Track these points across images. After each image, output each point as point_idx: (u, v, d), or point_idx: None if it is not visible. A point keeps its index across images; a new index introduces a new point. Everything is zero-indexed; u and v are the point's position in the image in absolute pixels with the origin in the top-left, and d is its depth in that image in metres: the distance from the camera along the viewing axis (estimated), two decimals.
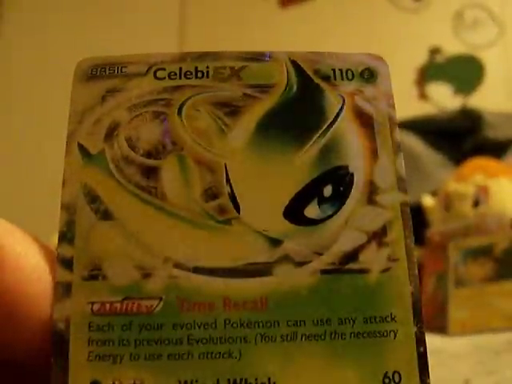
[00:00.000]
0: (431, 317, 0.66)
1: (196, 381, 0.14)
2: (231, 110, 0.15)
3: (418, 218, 0.80)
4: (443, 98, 1.31)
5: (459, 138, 0.99)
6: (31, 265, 0.14)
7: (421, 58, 1.35)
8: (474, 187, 0.78)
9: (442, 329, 0.62)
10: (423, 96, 1.33)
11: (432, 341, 0.55)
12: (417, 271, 0.14)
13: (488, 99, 1.23)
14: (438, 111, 1.20)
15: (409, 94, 1.32)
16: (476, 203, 0.78)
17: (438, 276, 0.70)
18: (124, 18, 1.41)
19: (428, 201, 0.83)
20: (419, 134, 0.98)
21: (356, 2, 1.40)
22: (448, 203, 0.79)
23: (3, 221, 0.14)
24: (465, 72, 1.34)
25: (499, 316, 0.61)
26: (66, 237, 0.15)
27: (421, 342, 0.14)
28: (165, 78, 0.16)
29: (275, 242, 0.14)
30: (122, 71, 0.16)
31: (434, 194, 0.85)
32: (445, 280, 0.69)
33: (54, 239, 0.15)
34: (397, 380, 0.14)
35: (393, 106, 0.15)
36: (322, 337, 0.14)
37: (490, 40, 1.35)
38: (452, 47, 1.36)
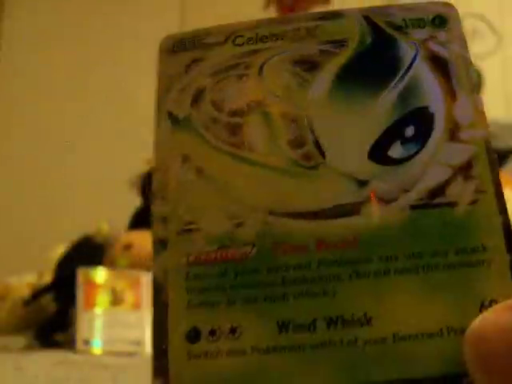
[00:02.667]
0: None
1: (293, 321, 0.14)
2: (309, 66, 0.16)
3: None
4: None
5: None
6: None
7: None
8: None
9: None
10: None
11: None
12: (505, 202, 0.14)
13: (487, 109, 1.21)
14: None
15: None
16: None
17: None
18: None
19: None
20: None
21: None
22: None
23: None
24: None
25: None
26: (159, 196, 0.15)
27: None
28: (243, 44, 0.17)
29: (362, 183, 0.15)
30: (202, 42, 0.17)
31: None
32: None
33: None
34: None
35: (466, 48, 0.16)
36: (415, 271, 0.14)
37: (488, 50, 1.32)
38: None
